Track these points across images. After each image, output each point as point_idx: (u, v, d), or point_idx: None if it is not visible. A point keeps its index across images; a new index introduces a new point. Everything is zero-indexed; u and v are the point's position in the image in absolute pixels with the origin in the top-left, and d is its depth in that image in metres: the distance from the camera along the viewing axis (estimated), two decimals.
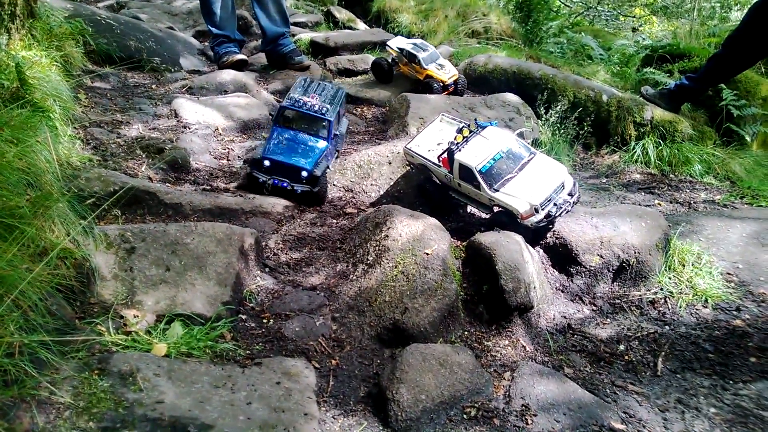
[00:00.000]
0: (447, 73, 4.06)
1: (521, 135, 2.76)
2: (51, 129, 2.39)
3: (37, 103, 2.54)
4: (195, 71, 4.48)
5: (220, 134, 3.40)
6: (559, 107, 3.73)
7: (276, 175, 2.81)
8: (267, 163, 2.79)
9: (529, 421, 1.83)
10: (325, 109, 2.96)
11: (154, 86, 3.92)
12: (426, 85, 4.02)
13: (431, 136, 2.86)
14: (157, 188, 2.52)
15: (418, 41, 4.24)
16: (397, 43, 4.23)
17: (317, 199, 2.89)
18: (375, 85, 4.37)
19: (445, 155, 2.62)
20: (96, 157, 2.74)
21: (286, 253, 2.52)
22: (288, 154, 2.83)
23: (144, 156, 2.87)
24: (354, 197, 3.00)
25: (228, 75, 4.02)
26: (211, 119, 3.44)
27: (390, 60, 4.30)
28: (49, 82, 2.74)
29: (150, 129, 3.21)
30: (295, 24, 5.92)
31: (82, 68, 3.60)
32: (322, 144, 2.92)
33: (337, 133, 3.11)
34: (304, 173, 2.79)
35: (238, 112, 3.56)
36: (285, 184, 2.81)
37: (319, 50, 5.10)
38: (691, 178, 3.87)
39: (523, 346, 2.21)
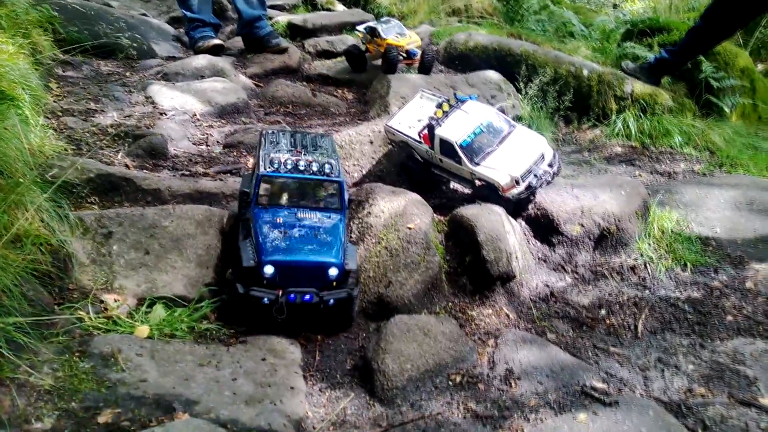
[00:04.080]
0: (406, 39, 3.82)
1: (501, 109, 2.76)
2: (21, 118, 2.34)
3: (4, 91, 2.48)
4: (170, 57, 4.41)
5: (198, 120, 3.36)
6: (538, 80, 3.72)
7: (288, 285, 1.81)
8: (270, 270, 1.78)
9: (513, 385, 1.86)
10: (328, 165, 2.01)
11: (127, 74, 3.85)
12: (386, 58, 3.81)
13: (412, 112, 2.85)
14: (135, 174, 2.48)
15: (385, 18, 4.13)
16: (364, 24, 4.12)
17: (347, 317, 2.00)
18: None
19: (426, 131, 2.61)
20: (70, 146, 2.69)
21: None
22: (299, 247, 1.84)
23: (120, 143, 2.83)
24: None
25: (204, 60, 3.96)
26: (188, 105, 3.39)
27: (361, 47, 4.19)
28: (17, 70, 2.67)
29: (125, 116, 3.16)
30: (272, 7, 5.82)
31: (51, 57, 3.51)
32: (336, 219, 1.98)
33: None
34: (333, 271, 1.84)
35: (216, 97, 3.51)
36: (310, 297, 1.82)
37: (297, 32, 5.04)
38: (671, 150, 3.91)
39: (506, 314, 2.23)
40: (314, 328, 2.01)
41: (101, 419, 1.38)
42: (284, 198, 1.99)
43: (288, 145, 2.12)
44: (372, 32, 3.94)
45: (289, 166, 1.98)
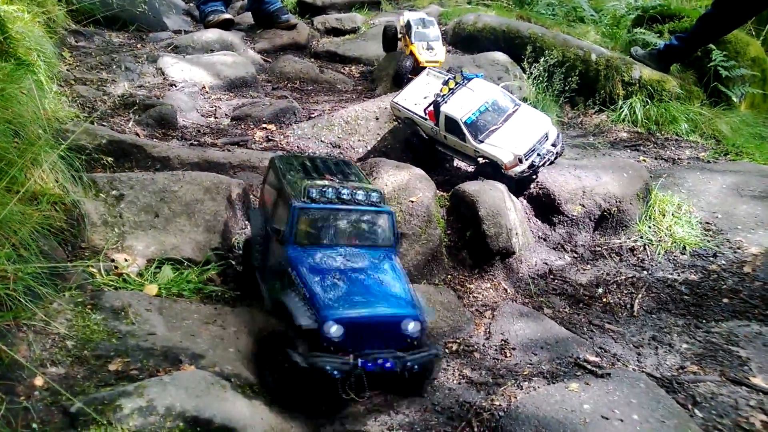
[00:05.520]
0: (429, 55, 3.43)
1: (507, 87, 2.78)
2: (36, 83, 2.39)
3: (21, 57, 2.52)
4: (180, 31, 4.44)
5: (207, 92, 3.40)
6: (542, 60, 3.68)
7: (356, 348, 1.42)
8: (337, 331, 1.39)
9: (508, 354, 1.92)
10: (375, 194, 1.67)
11: (139, 45, 3.90)
12: (396, 65, 3.51)
13: (418, 89, 2.87)
14: (145, 142, 2.53)
15: (429, 19, 3.66)
16: (408, 16, 3.86)
17: (421, 383, 1.64)
18: (363, 44, 4.34)
19: (431, 108, 2.64)
20: (83, 114, 2.74)
21: None
22: (365, 297, 1.47)
23: (130, 113, 2.88)
24: (342, 153, 3.03)
25: (214, 34, 4.00)
26: (198, 77, 3.44)
27: (399, 30, 3.97)
28: (32, 38, 2.72)
29: (136, 87, 3.21)
30: None
31: (64, 27, 3.56)
32: (390, 258, 1.64)
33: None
34: (413, 326, 1.47)
35: (225, 70, 3.55)
36: (392, 365, 1.42)
37: (307, 9, 5.06)
38: (677, 137, 3.93)
39: (504, 289, 2.29)
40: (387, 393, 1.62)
41: (112, 367, 1.44)
42: (323, 235, 1.59)
43: (311, 172, 1.75)
44: (407, 30, 3.68)
45: (330, 195, 1.60)
